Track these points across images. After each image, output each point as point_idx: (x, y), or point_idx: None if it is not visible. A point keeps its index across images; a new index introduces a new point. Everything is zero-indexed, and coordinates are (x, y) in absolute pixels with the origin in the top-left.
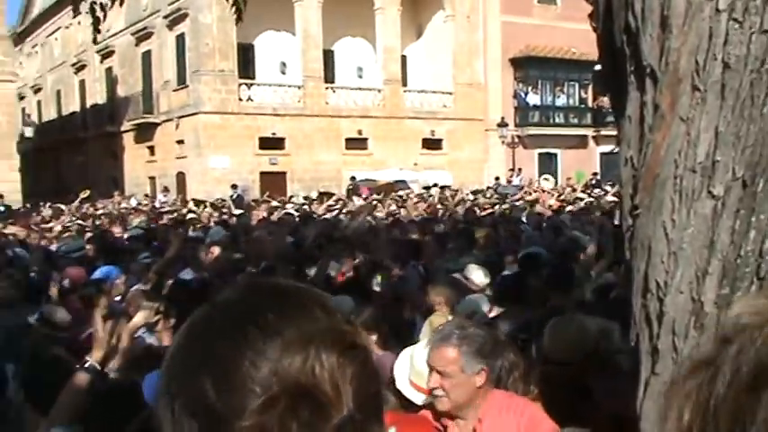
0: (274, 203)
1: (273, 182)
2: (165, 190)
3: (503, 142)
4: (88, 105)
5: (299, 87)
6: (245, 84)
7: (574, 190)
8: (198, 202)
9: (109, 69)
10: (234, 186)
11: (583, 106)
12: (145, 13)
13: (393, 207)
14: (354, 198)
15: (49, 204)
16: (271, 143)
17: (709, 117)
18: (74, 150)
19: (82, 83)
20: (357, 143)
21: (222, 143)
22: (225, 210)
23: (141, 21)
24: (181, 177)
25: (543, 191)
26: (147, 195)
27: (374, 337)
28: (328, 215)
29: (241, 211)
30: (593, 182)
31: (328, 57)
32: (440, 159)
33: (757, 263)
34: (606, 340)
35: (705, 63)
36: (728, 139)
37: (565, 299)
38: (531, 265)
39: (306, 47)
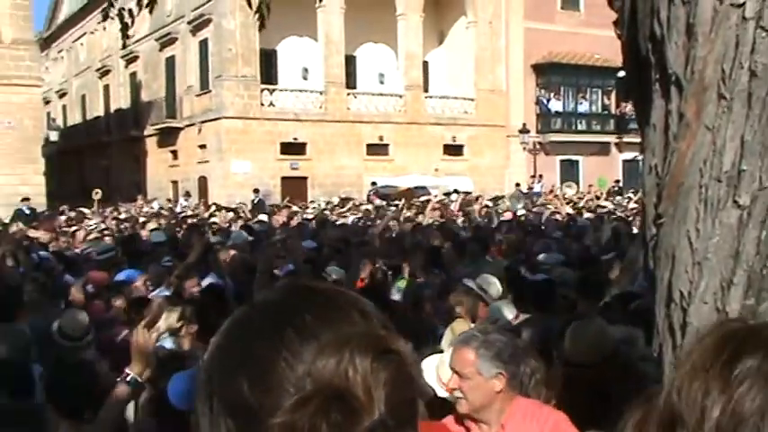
0: (294, 208)
1: (294, 187)
2: (187, 194)
3: (524, 149)
4: (112, 110)
5: (320, 93)
6: (268, 89)
7: (597, 198)
8: (219, 207)
9: (133, 74)
10: (255, 191)
11: (605, 113)
12: (169, 18)
13: (409, 214)
14: (375, 202)
15: (68, 208)
16: (292, 148)
17: (735, 126)
18: (98, 154)
19: (106, 87)
20: (378, 149)
21: (244, 148)
22: (241, 214)
23: (165, 26)
24: (203, 182)
25: (556, 197)
26: (169, 200)
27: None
28: (342, 220)
29: (264, 216)
30: (616, 189)
31: (350, 62)
32: (461, 165)
33: None
34: (630, 347)
35: (731, 71)
36: (755, 148)
37: (592, 307)
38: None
39: (328, 53)
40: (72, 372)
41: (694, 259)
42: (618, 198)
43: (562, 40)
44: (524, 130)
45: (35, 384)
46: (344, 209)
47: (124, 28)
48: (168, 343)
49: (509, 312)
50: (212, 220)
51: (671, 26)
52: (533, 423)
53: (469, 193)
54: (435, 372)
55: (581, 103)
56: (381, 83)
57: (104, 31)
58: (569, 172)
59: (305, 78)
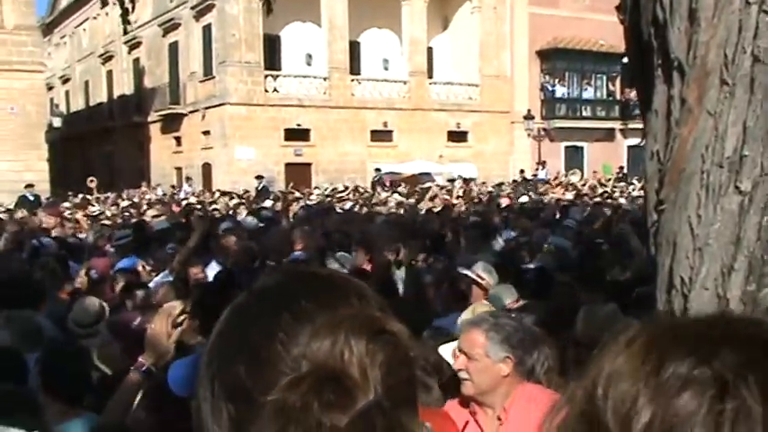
0: (297, 194)
1: (298, 173)
2: (188, 180)
3: (529, 135)
4: (115, 96)
5: (324, 79)
6: (271, 75)
7: (602, 184)
8: (224, 194)
9: (136, 60)
10: (259, 177)
11: (610, 99)
12: (172, 4)
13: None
14: (378, 189)
15: (73, 194)
16: (296, 134)
17: (738, 111)
18: (101, 140)
19: (109, 73)
20: (382, 135)
21: (248, 134)
22: (243, 199)
23: (168, 12)
24: (206, 168)
25: (560, 185)
26: (173, 186)
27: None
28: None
29: (269, 202)
30: (620, 175)
31: (354, 48)
32: (465, 152)
33: None
34: None
35: (734, 56)
36: (757, 134)
37: (594, 297)
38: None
39: (332, 38)
40: (67, 358)
41: (695, 245)
42: (622, 184)
43: (567, 25)
44: (529, 117)
45: (28, 371)
46: (345, 194)
47: (124, 14)
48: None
49: (509, 298)
50: (213, 206)
51: (673, 11)
52: (538, 407)
53: (473, 179)
54: (452, 357)
55: (586, 89)
56: (385, 69)
57: (107, 17)
58: (574, 158)
59: (309, 64)
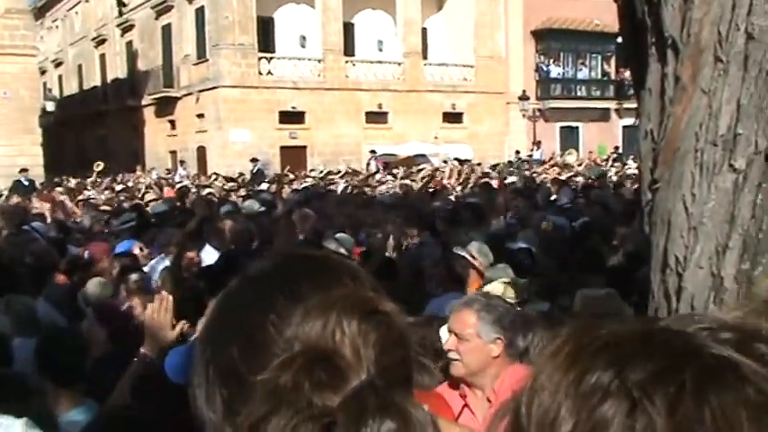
0: (291, 177)
1: (294, 156)
2: (181, 163)
3: (524, 115)
4: (109, 79)
5: (318, 61)
6: (265, 57)
7: (597, 164)
8: (219, 177)
9: (129, 43)
10: (254, 160)
11: (605, 79)
12: None
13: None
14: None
15: (67, 178)
16: (291, 117)
17: (732, 89)
18: (95, 124)
19: (102, 57)
20: (377, 117)
21: (242, 117)
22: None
23: None
24: (201, 151)
25: (555, 166)
26: (168, 170)
27: None
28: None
29: (264, 185)
30: (615, 155)
31: (348, 30)
32: (460, 133)
33: None
34: None
35: (728, 34)
36: (751, 112)
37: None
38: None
39: (325, 20)
40: (63, 344)
41: (690, 224)
42: (617, 164)
43: (561, 5)
44: (524, 97)
45: (12, 356)
46: (338, 176)
47: None
48: None
49: (505, 279)
50: (208, 190)
51: None
52: None
53: (468, 160)
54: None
55: (581, 70)
56: (380, 50)
57: (99, 0)
58: (569, 138)
59: (303, 46)
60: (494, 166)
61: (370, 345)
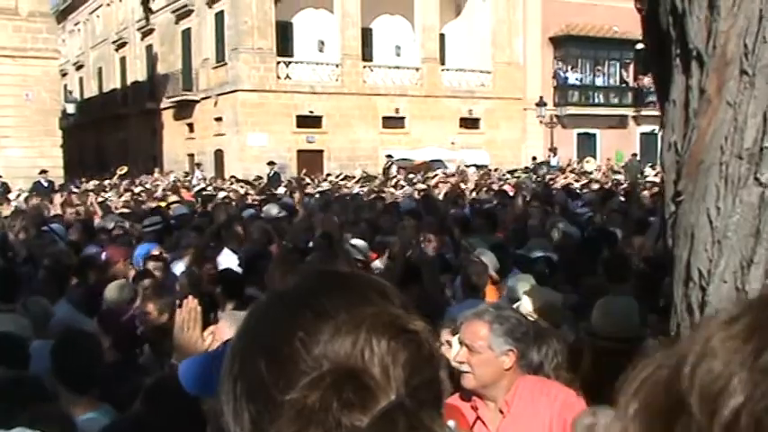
0: (307, 180)
1: (310, 160)
2: (198, 166)
3: (541, 122)
4: (129, 82)
5: (336, 66)
6: (284, 62)
7: (616, 171)
8: (237, 180)
9: (149, 47)
10: (271, 164)
11: (623, 86)
12: None
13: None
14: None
15: (86, 180)
16: (308, 121)
17: (758, 102)
18: (114, 127)
19: (123, 60)
20: (394, 122)
21: (260, 121)
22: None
23: None
24: (219, 155)
25: (573, 172)
26: (186, 173)
27: None
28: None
29: (281, 189)
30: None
31: (366, 35)
32: (477, 139)
33: None
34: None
35: (754, 46)
36: None
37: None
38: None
39: (344, 25)
40: (79, 347)
41: (714, 237)
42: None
43: (580, 11)
44: (541, 103)
45: (29, 359)
46: (352, 182)
47: (146, 1)
48: None
49: (527, 285)
50: (222, 194)
51: (692, 0)
52: (541, 399)
53: (485, 166)
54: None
55: (599, 76)
56: (398, 55)
57: (120, 3)
58: (586, 145)
59: (321, 51)
60: (511, 172)
61: (400, 364)
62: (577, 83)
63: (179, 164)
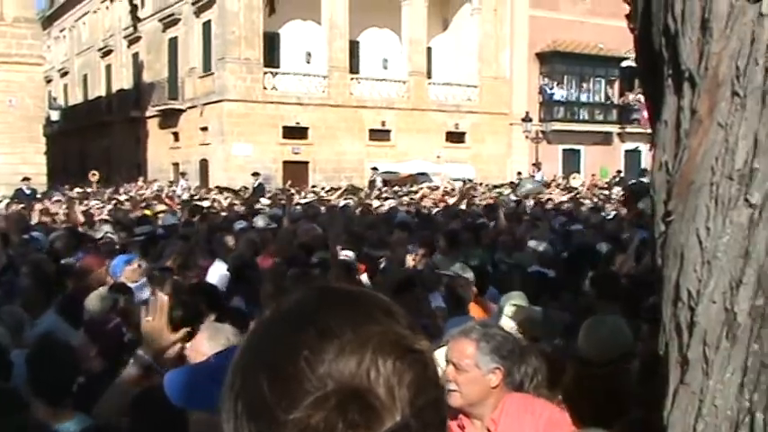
0: (292, 191)
1: (296, 171)
2: (183, 175)
3: (527, 137)
4: (114, 90)
5: (323, 77)
6: (270, 72)
7: (601, 188)
8: (222, 190)
9: (135, 55)
10: (255, 174)
11: (608, 102)
12: None
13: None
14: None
15: (69, 188)
16: (294, 132)
17: (749, 123)
18: (99, 134)
19: (108, 68)
20: (380, 134)
21: (245, 131)
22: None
23: (169, 7)
24: (204, 164)
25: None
26: (171, 182)
27: None
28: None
29: (266, 200)
30: (617, 179)
31: (354, 47)
32: (463, 153)
33: None
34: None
35: (746, 68)
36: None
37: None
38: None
39: (331, 37)
40: (55, 357)
41: (703, 258)
42: (617, 189)
43: (567, 28)
44: (527, 119)
45: (12, 368)
46: (336, 194)
47: (134, 10)
48: None
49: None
50: (206, 203)
51: (685, 21)
52: (527, 416)
53: (471, 180)
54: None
55: (584, 93)
56: (385, 68)
57: (107, 11)
58: (571, 161)
59: (308, 62)
60: (496, 186)
61: (405, 384)
62: (563, 99)
63: (164, 173)
